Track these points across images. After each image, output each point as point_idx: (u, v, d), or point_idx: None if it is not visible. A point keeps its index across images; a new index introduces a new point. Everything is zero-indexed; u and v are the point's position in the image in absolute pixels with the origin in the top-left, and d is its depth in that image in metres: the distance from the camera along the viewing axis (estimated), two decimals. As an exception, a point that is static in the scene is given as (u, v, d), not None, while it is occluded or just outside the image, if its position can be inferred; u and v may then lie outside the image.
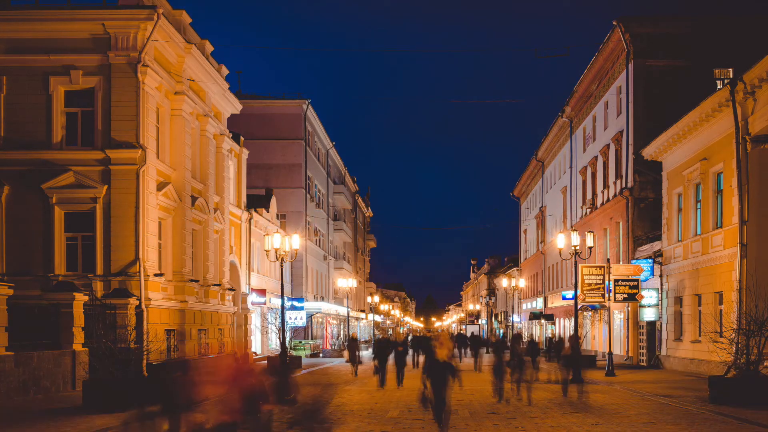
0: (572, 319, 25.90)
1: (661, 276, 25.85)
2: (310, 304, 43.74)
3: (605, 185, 32.47)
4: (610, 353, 22.99)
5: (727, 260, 20.24)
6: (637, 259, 27.32)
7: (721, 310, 20.63)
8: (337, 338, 53.57)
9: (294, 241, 22.66)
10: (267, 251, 22.59)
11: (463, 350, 34.76)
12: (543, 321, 48.62)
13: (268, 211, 36.72)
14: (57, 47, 20.78)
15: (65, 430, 11.35)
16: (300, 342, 37.44)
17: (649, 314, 26.74)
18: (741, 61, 20.60)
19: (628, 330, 28.28)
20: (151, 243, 21.21)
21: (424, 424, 11.74)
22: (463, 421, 12.33)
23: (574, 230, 23.30)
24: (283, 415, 8.86)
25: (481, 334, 63.16)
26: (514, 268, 61.04)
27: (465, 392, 15.66)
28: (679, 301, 24.38)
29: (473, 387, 17.99)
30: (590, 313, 33.94)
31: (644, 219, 28.31)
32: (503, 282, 49.15)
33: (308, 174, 45.51)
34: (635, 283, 25.20)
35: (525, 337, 28.63)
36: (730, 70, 25.38)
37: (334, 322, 55.50)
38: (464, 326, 77.08)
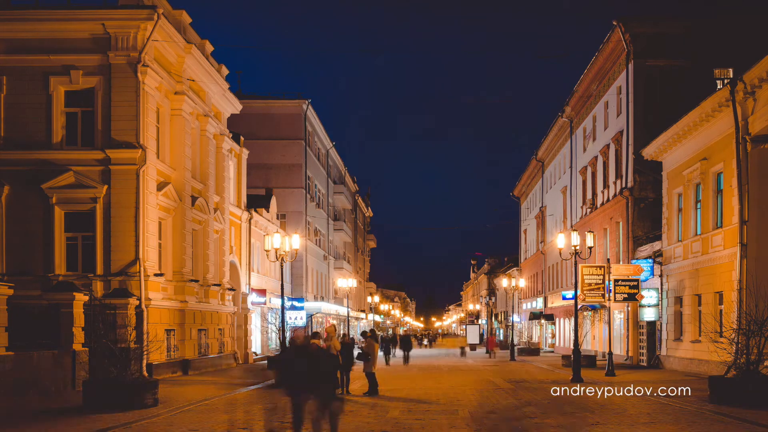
0: (572, 319, 25.89)
1: (661, 276, 25.84)
2: (310, 304, 43.73)
3: (605, 185, 32.45)
4: (610, 353, 22.97)
5: (727, 260, 20.23)
6: (637, 259, 27.31)
7: (721, 310, 20.62)
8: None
9: (294, 241, 22.63)
10: (267, 251, 22.57)
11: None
12: (543, 321, 48.61)
13: (268, 211, 36.72)
14: (57, 47, 20.79)
15: (65, 431, 11.34)
16: (300, 342, 37.33)
17: (649, 314, 26.73)
18: (741, 61, 20.56)
19: (628, 330, 28.27)
20: (151, 243, 21.22)
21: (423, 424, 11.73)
22: (462, 420, 12.33)
23: (574, 230, 23.25)
24: None
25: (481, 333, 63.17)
26: (514, 268, 60.99)
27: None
28: (679, 301, 24.37)
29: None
30: (590, 313, 33.92)
31: (644, 219, 28.29)
32: (503, 282, 49.03)
33: (308, 174, 45.51)
34: (635, 283, 25.18)
35: None
36: (730, 70, 25.36)
37: (334, 322, 55.43)
38: (464, 326, 77.18)
